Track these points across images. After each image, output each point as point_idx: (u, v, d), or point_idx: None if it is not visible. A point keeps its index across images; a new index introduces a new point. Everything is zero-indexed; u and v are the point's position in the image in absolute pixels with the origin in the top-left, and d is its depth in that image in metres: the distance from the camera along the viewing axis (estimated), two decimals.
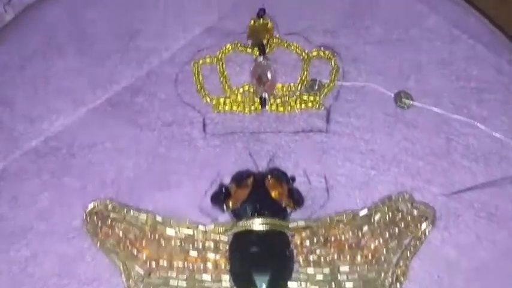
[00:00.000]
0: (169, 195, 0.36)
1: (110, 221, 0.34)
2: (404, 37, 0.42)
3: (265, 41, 0.41)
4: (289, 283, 0.33)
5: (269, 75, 0.39)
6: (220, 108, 0.39)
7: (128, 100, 0.39)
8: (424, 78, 0.40)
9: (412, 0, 0.43)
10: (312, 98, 0.40)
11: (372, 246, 0.34)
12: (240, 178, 0.35)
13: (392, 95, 0.39)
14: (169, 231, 0.34)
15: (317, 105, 0.39)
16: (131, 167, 0.37)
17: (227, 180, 0.36)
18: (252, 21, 0.42)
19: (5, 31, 0.42)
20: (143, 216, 0.34)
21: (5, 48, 0.41)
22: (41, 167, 0.37)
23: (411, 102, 0.39)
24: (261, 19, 0.41)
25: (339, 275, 0.33)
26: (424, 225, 0.34)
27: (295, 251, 0.34)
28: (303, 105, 0.39)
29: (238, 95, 0.40)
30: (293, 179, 0.35)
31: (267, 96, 0.39)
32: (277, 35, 0.41)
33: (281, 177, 0.35)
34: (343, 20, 0.42)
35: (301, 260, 0.33)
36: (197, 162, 0.37)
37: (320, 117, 0.39)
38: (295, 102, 0.40)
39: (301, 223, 0.34)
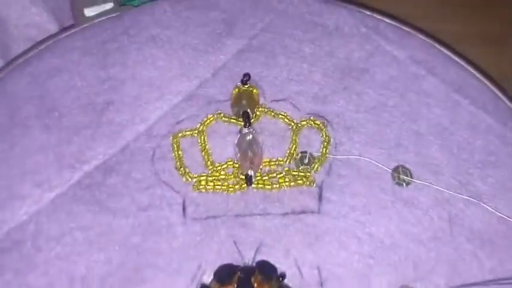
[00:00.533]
0: None
1: None
2: (400, 103, 0.38)
3: (250, 110, 0.38)
4: None
5: (255, 149, 0.37)
6: (201, 187, 0.36)
7: (99, 182, 0.35)
8: (424, 150, 0.37)
9: (407, 61, 0.40)
10: (302, 174, 0.37)
11: None
12: (223, 275, 0.32)
13: (390, 170, 0.37)
14: None
15: (308, 182, 0.37)
16: (102, 260, 0.33)
17: (209, 275, 0.32)
18: (236, 88, 0.39)
19: None
20: None
21: None
22: (3, 265, 0.33)
23: (410, 179, 0.36)
24: (246, 85, 0.39)
25: None
26: None
27: None
28: (292, 183, 0.37)
29: (222, 172, 0.37)
30: (283, 276, 0.32)
31: (252, 173, 0.36)
32: (264, 103, 0.38)
33: (269, 273, 0.32)
34: (334, 84, 0.39)
35: None
36: (176, 254, 0.33)
37: (312, 195, 0.36)
38: (284, 179, 0.37)
39: None
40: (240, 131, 0.37)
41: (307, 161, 0.37)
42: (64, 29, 0.40)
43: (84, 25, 0.41)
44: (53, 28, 0.42)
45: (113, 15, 0.42)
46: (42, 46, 0.39)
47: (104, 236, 0.34)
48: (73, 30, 0.40)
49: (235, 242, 0.34)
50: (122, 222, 0.34)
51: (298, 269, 0.33)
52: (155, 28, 0.41)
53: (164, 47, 0.40)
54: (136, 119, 0.38)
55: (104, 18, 0.42)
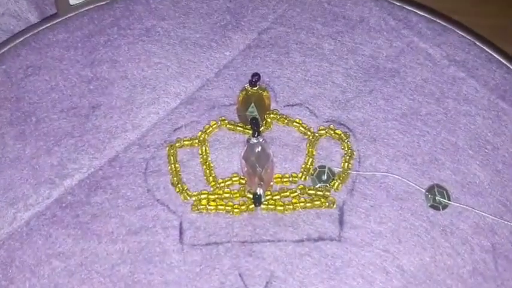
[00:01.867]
0: None
1: None
2: (436, 110, 0.33)
3: (259, 116, 0.34)
4: None
5: (265, 163, 0.32)
6: (202, 207, 0.31)
7: (83, 200, 0.31)
8: (463, 166, 0.31)
9: (444, 61, 0.35)
10: (320, 193, 0.32)
11: None
12: None
13: (423, 191, 0.32)
14: None
15: (327, 203, 0.32)
16: None
17: None
18: (243, 90, 0.34)
19: None
20: None
21: None
22: None
23: (447, 201, 0.31)
24: (255, 87, 0.34)
25: None
26: None
27: None
28: (308, 203, 0.32)
29: (225, 189, 0.32)
30: None
31: (262, 191, 0.32)
32: (276, 108, 0.33)
33: None
34: (358, 87, 0.34)
35: None
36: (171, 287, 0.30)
37: (331, 219, 0.31)
38: (299, 199, 0.32)
39: None
40: (248, 141, 0.32)
41: (325, 177, 0.32)
42: (45, 19, 0.35)
43: (68, 15, 0.36)
44: (32, 18, 0.37)
45: (102, 3, 0.37)
46: (20, 39, 0.34)
47: (86, 265, 0.29)
48: (55, 21, 0.35)
49: (240, 275, 0.29)
50: (109, 249, 0.29)
51: None
52: (150, 19, 0.36)
53: (160, 42, 0.35)
54: (127, 125, 0.33)
55: (91, 6, 0.37)
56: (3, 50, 0.34)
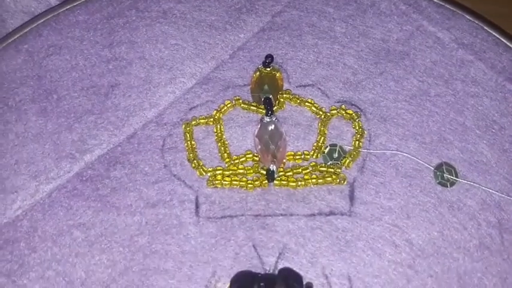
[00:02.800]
0: None
1: None
2: (444, 91, 0.34)
3: (273, 96, 0.34)
4: None
5: (278, 141, 0.33)
6: (217, 183, 0.32)
7: (102, 174, 0.32)
8: (470, 145, 0.32)
9: (453, 44, 0.36)
10: (331, 170, 0.33)
11: None
12: (242, 284, 0.28)
13: (432, 168, 0.33)
14: None
15: (338, 180, 0.33)
16: (105, 263, 0.30)
17: (224, 282, 0.28)
18: (257, 71, 0.34)
19: None
20: None
21: None
22: None
23: (455, 178, 0.32)
24: (268, 68, 0.34)
25: None
26: None
27: None
28: (320, 180, 0.33)
29: (240, 165, 0.33)
30: (310, 287, 0.28)
31: (275, 168, 0.33)
32: (288, 88, 0.34)
33: (294, 283, 0.28)
34: (369, 69, 0.35)
35: None
36: (187, 257, 0.30)
37: (342, 195, 0.32)
38: (311, 176, 0.33)
39: None
40: (261, 120, 0.33)
41: (337, 155, 0.33)
42: (65, 2, 0.36)
43: None
44: (53, 0, 0.38)
45: None
46: (41, 20, 0.35)
47: (106, 235, 0.30)
48: (75, 3, 0.36)
49: (254, 246, 0.30)
50: (127, 220, 0.30)
51: (327, 278, 0.30)
52: (167, 2, 0.37)
53: (177, 24, 0.36)
54: (145, 104, 0.34)
55: None
56: (25, 31, 0.35)
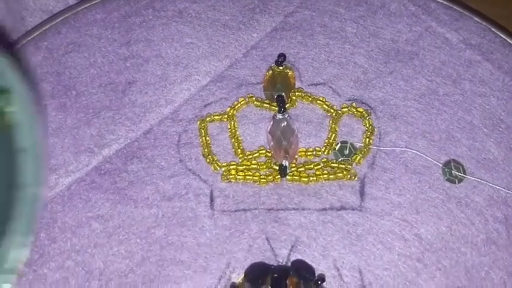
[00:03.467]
0: None
1: None
2: (453, 91, 0.35)
3: (285, 94, 0.35)
4: None
5: (290, 137, 0.34)
6: (231, 177, 0.33)
7: (120, 168, 0.33)
8: (478, 143, 0.33)
9: (461, 45, 0.36)
10: (342, 166, 0.33)
11: None
12: (255, 275, 0.29)
13: (440, 165, 0.33)
14: None
15: (349, 175, 0.33)
16: (123, 254, 0.30)
17: (238, 273, 0.29)
18: (270, 70, 0.36)
19: None
20: None
21: None
22: None
23: (463, 175, 0.33)
24: (281, 67, 0.35)
25: None
26: None
27: None
28: (331, 175, 0.34)
29: (253, 161, 0.34)
30: (322, 279, 0.29)
31: (287, 163, 0.33)
32: (300, 87, 0.35)
33: (306, 275, 0.29)
34: (379, 68, 0.36)
35: None
36: (202, 250, 0.30)
37: (353, 190, 0.32)
38: (322, 171, 0.34)
39: None
40: (274, 117, 0.34)
41: (347, 152, 0.34)
42: (83, 1, 0.37)
43: None
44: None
45: None
46: (60, 18, 0.36)
47: (124, 227, 0.31)
48: (93, 2, 0.37)
49: (267, 239, 0.31)
50: (145, 213, 0.31)
51: (338, 270, 0.30)
52: (182, 2, 0.38)
53: (192, 23, 0.37)
54: (161, 100, 0.35)
55: None
56: (44, 28, 0.36)
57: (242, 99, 0.35)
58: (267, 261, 0.30)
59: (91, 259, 0.30)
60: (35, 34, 0.36)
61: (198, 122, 0.34)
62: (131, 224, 0.31)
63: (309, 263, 0.30)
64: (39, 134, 0.23)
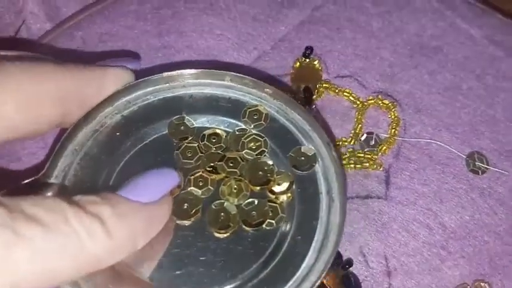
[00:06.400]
0: None
1: None
2: (476, 85, 0.36)
3: (312, 86, 0.36)
4: None
5: None
6: None
7: None
8: (500, 136, 0.34)
9: (484, 41, 0.37)
10: (368, 156, 0.34)
11: None
12: None
13: (464, 156, 0.34)
14: None
15: (374, 165, 0.34)
16: None
17: None
18: (297, 62, 0.36)
19: None
20: None
21: None
22: None
23: (486, 166, 0.34)
24: (308, 59, 0.37)
25: None
26: None
27: None
28: (357, 165, 0.34)
29: None
30: (350, 263, 0.30)
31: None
32: (327, 79, 0.35)
33: (334, 259, 0.30)
34: (404, 62, 0.36)
35: None
36: None
37: (378, 180, 0.33)
38: (348, 161, 0.35)
39: None
40: None
41: (373, 142, 0.35)
42: None
43: None
44: None
45: None
46: (94, 9, 0.37)
47: None
48: None
49: None
50: None
51: (364, 257, 0.31)
52: None
53: (222, 15, 0.38)
54: None
55: None
56: (79, 18, 0.37)
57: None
58: None
59: None
60: (70, 23, 0.37)
61: None
62: None
63: None
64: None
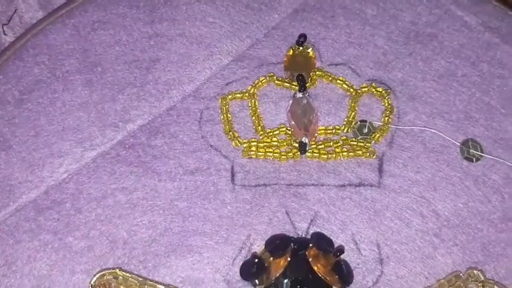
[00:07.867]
0: (189, 263, 0.30)
1: None
2: (471, 72, 0.35)
3: (305, 73, 0.36)
4: None
5: (310, 116, 0.34)
6: (251, 153, 0.34)
7: (144, 143, 0.33)
8: (495, 123, 0.34)
9: (480, 28, 0.37)
10: (361, 144, 0.34)
11: None
12: (275, 247, 0.30)
13: (458, 144, 0.34)
14: None
15: (368, 153, 0.34)
16: (146, 225, 0.31)
17: (259, 245, 0.30)
18: (291, 50, 0.36)
19: (2, 57, 0.36)
20: None
21: (1, 78, 0.35)
22: (41, 225, 0.31)
23: (480, 153, 0.34)
24: (301, 47, 0.36)
25: None
26: None
27: None
28: (350, 153, 0.34)
29: (273, 138, 0.35)
30: (341, 251, 0.30)
31: (307, 140, 0.34)
32: (320, 66, 0.35)
33: (326, 247, 0.30)
34: (398, 49, 0.36)
35: None
36: (224, 221, 0.31)
37: (371, 167, 0.33)
38: (341, 149, 0.34)
39: None
40: (294, 96, 0.34)
41: (366, 130, 0.34)
42: None
43: None
44: None
45: None
46: None
47: (148, 199, 0.32)
48: None
49: (287, 212, 0.32)
50: (168, 186, 0.32)
51: (356, 244, 0.31)
52: None
53: (215, 3, 0.37)
54: (184, 78, 0.35)
55: None
56: (71, 6, 0.37)
57: (263, 78, 0.35)
58: (286, 234, 0.31)
59: (115, 229, 0.31)
60: (62, 12, 0.37)
61: (220, 100, 0.35)
62: (154, 196, 0.32)
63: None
64: None
